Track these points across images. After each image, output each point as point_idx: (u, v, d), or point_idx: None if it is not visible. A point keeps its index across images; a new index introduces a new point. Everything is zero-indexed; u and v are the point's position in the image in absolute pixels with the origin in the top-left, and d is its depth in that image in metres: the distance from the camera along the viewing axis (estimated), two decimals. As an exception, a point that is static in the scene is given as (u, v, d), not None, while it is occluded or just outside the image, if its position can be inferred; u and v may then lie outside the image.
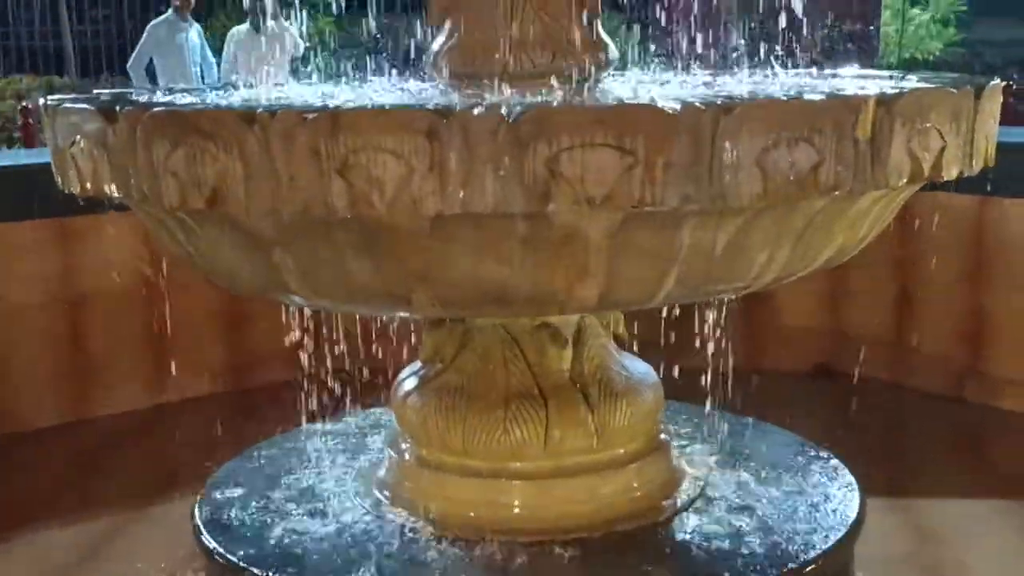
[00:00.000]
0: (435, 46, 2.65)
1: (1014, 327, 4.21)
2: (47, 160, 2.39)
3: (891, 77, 2.71)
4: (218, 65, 9.25)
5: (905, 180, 2.01)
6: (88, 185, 2.16)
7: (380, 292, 2.14)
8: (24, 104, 9.60)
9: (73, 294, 4.28)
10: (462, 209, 1.83)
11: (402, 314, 2.86)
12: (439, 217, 1.86)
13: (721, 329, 3.29)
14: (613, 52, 2.64)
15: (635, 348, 2.95)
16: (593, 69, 2.56)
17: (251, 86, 3.15)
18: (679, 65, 3.27)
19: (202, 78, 9.14)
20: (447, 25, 2.63)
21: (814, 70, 3.12)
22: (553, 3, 2.53)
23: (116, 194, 2.11)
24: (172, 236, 2.33)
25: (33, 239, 4.21)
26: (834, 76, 2.94)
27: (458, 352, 2.74)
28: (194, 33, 9.18)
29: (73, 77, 14.08)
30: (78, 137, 2.14)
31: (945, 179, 2.10)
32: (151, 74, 9.25)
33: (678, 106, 1.82)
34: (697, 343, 3.29)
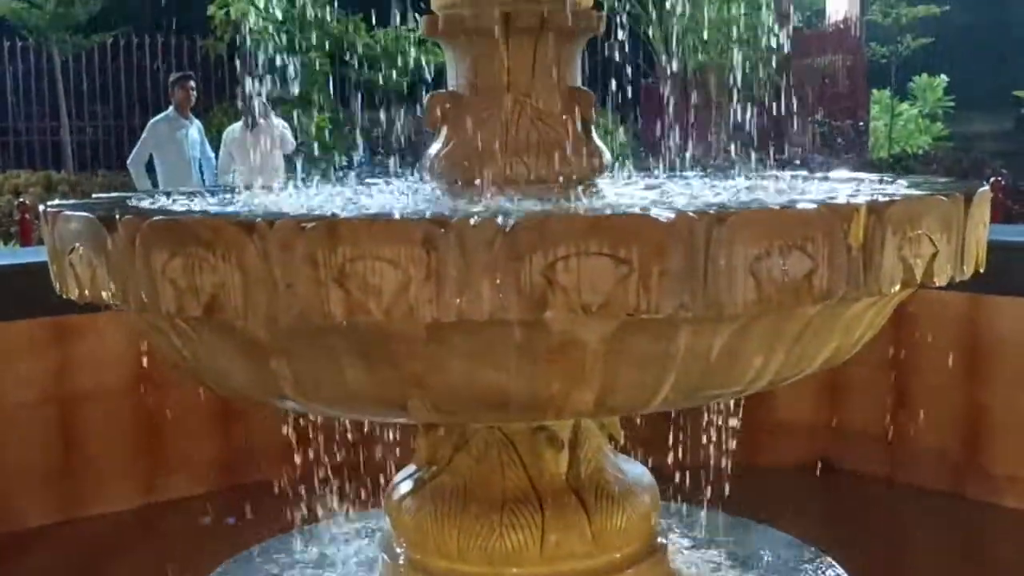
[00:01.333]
0: (432, 150, 2.69)
1: (1012, 424, 4.21)
2: (43, 259, 2.41)
3: (881, 181, 2.75)
4: (216, 161, 9.36)
5: (898, 287, 2.03)
6: (86, 291, 2.18)
7: (376, 398, 2.14)
8: (21, 200, 9.67)
9: (67, 392, 4.27)
10: (458, 316, 1.84)
11: (397, 420, 2.85)
12: (435, 324, 1.87)
13: (717, 424, 3.29)
14: (607, 157, 2.68)
15: (631, 445, 2.94)
16: (588, 175, 2.59)
17: (248, 188, 3.18)
18: (670, 159, 3.32)
19: (201, 174, 9.23)
20: (443, 130, 2.67)
21: (806, 172, 3.16)
22: (548, 110, 2.58)
23: (114, 301, 2.12)
24: (167, 340, 2.33)
25: (28, 338, 4.21)
26: (825, 179, 2.98)
27: (454, 455, 2.73)
28: (194, 130, 9.30)
29: (71, 172, 14.20)
30: (77, 244, 2.16)
31: (937, 284, 2.11)
32: (151, 170, 9.34)
33: (672, 215, 1.85)
34: (693, 439, 3.29)
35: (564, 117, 2.59)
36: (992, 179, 8.21)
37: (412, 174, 3.04)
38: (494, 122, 2.56)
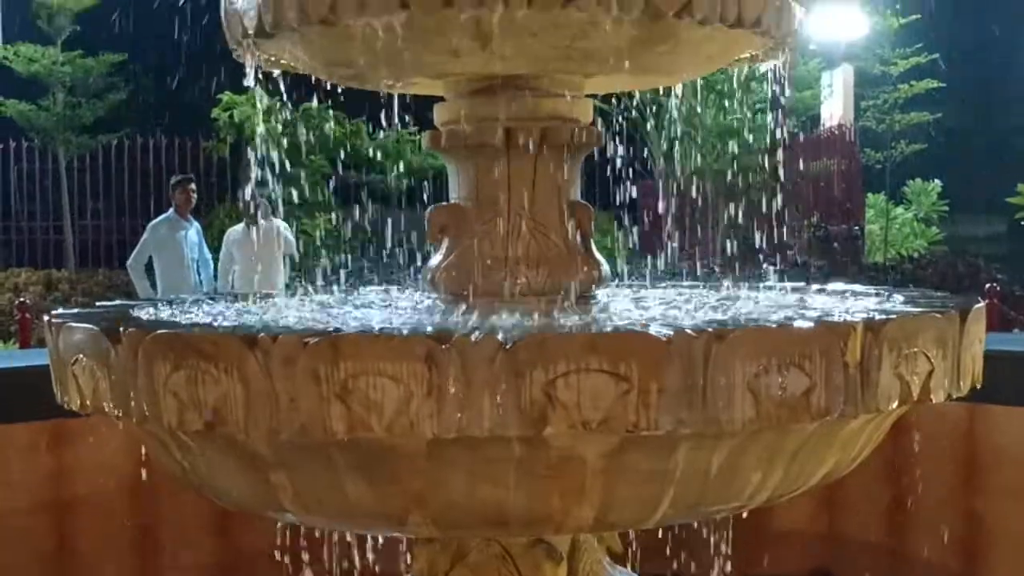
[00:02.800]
0: (432, 262, 2.72)
1: (1010, 536, 4.18)
2: (41, 363, 2.42)
3: (877, 294, 2.78)
4: (215, 263, 9.42)
5: (895, 404, 2.04)
6: (88, 402, 2.19)
7: (375, 512, 2.14)
8: (21, 299, 9.71)
9: (62, 497, 4.23)
10: (459, 433, 1.85)
11: (396, 534, 2.84)
12: (436, 440, 1.88)
13: (716, 533, 3.27)
14: (606, 269, 2.71)
15: (631, 552, 2.92)
16: (587, 287, 2.62)
17: (250, 296, 3.21)
18: (669, 262, 3.36)
19: (199, 276, 9.29)
20: (444, 242, 2.71)
21: (802, 283, 3.20)
22: (548, 224, 2.62)
23: (115, 412, 2.13)
24: (167, 452, 2.34)
25: (25, 441, 4.19)
26: (822, 291, 3.02)
27: (452, 567, 2.70)
28: (193, 232, 9.37)
29: (72, 271, 14.28)
30: (80, 356, 2.17)
31: (934, 401, 2.13)
32: (149, 269, 9.40)
33: (671, 332, 1.87)
34: (692, 549, 3.26)
35: (563, 231, 2.63)
36: (988, 285, 8.27)
37: (413, 280, 3.07)
38: (494, 235, 2.60)
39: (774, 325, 1.99)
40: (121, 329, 2.08)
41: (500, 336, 1.84)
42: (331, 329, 1.96)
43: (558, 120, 2.61)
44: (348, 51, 2.44)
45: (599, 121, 2.77)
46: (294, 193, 9.57)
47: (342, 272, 3.39)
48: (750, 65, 2.83)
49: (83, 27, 15.08)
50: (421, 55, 2.42)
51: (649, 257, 3.42)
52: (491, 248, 2.59)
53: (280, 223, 9.39)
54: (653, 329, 1.88)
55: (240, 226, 9.43)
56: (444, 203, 2.76)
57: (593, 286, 2.66)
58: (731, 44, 2.55)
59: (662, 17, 2.27)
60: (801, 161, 15.92)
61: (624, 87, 3.08)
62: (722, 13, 2.29)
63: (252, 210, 9.16)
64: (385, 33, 2.29)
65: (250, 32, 2.44)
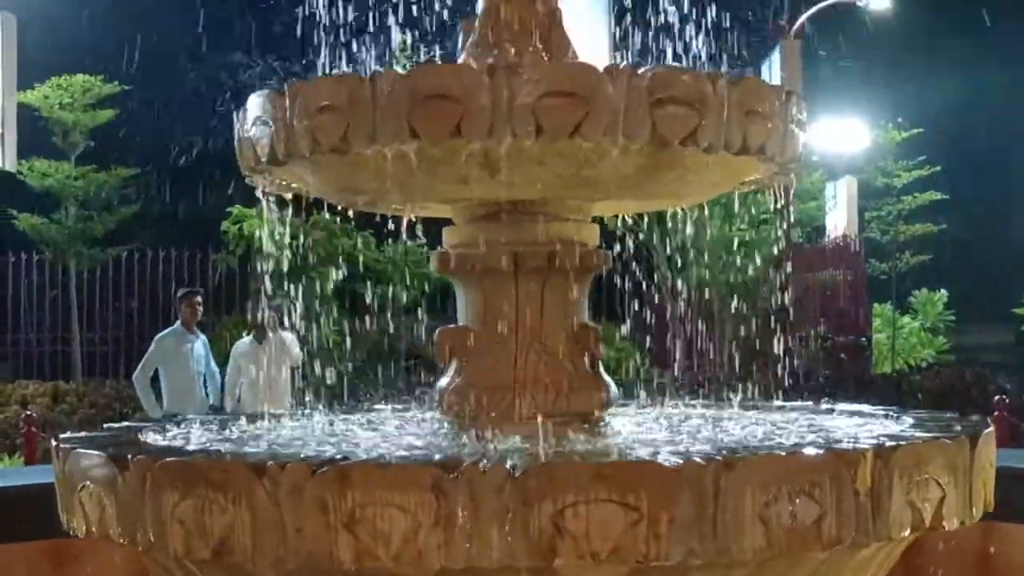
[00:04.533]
0: (442, 383, 2.72)
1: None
2: (45, 480, 2.41)
3: (887, 416, 2.77)
4: (222, 375, 9.40)
5: (907, 532, 2.03)
6: (94, 529, 2.18)
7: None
8: (28, 413, 9.67)
9: (63, 619, 4.17)
10: (467, 563, 1.84)
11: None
12: (444, 571, 1.86)
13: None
14: (614, 391, 2.71)
15: None
16: (596, 409, 2.62)
17: (257, 416, 3.21)
18: (674, 375, 3.36)
19: (206, 389, 9.26)
20: (453, 364, 2.71)
21: (811, 403, 3.19)
22: (556, 346, 2.63)
23: (121, 540, 2.12)
24: (171, 577, 2.31)
25: (26, 561, 4.14)
26: (830, 411, 3.01)
27: None
28: (200, 345, 9.36)
29: (79, 382, 14.26)
30: (87, 482, 2.17)
31: (947, 528, 2.11)
32: (155, 380, 9.38)
33: (680, 461, 1.87)
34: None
35: (572, 353, 2.64)
36: (997, 397, 8.22)
37: (421, 396, 3.07)
38: (503, 358, 2.61)
39: (783, 453, 1.98)
40: (129, 456, 2.08)
41: (508, 465, 1.84)
42: (339, 457, 1.95)
43: (565, 244, 2.64)
44: (359, 178, 2.48)
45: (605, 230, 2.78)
46: (302, 305, 9.59)
47: (349, 385, 3.39)
48: (755, 189, 2.87)
49: (96, 141, 15.33)
50: (431, 182, 2.46)
51: (656, 369, 3.42)
52: (499, 371, 2.59)
53: (288, 335, 9.39)
54: (662, 457, 1.87)
55: (248, 338, 9.44)
56: (453, 325, 2.77)
57: (602, 409, 2.65)
58: (736, 170, 2.59)
59: (668, 145, 2.31)
60: (806, 272, 15.98)
61: (631, 210, 3.12)
62: (727, 141, 2.33)
63: (260, 322, 9.18)
64: (395, 161, 2.33)
65: (263, 159, 2.48)
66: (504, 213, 2.62)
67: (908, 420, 2.62)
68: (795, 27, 16.50)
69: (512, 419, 2.52)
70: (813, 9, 17.38)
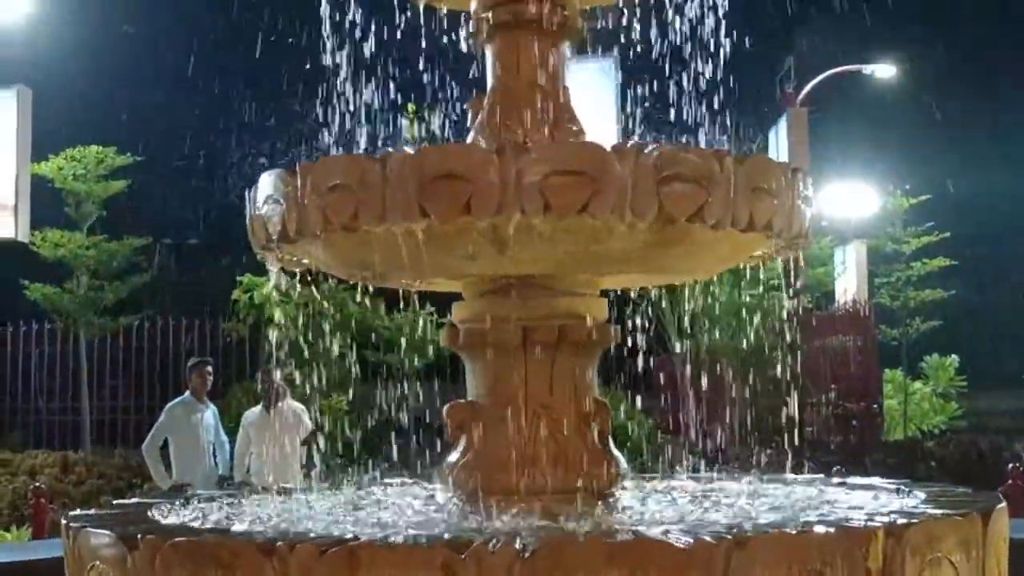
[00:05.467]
0: (451, 458, 2.72)
1: None
2: (54, 554, 2.41)
3: (898, 490, 2.76)
4: (232, 445, 9.38)
5: (921, 612, 2.01)
6: (102, 610, 2.17)
7: None
8: (37, 484, 9.65)
9: None
10: (477, 645, 1.82)
11: None
12: (453, 652, 1.85)
13: None
14: (623, 466, 2.70)
15: None
16: (606, 485, 2.61)
17: (267, 490, 3.21)
18: (684, 446, 3.35)
19: (215, 459, 9.24)
20: (462, 439, 2.71)
21: (822, 476, 3.18)
22: (565, 421, 2.63)
23: (130, 620, 2.11)
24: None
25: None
26: (842, 484, 3.00)
27: None
28: (210, 415, 9.34)
29: (88, 452, 14.23)
30: (97, 562, 2.16)
31: (961, 611, 2.09)
32: (165, 452, 9.36)
33: (690, 540, 1.86)
34: None
35: (581, 428, 2.64)
36: (1011, 465, 8.13)
37: (431, 467, 3.06)
38: (512, 433, 2.61)
39: (794, 531, 1.97)
40: (139, 535, 2.08)
41: (517, 545, 1.83)
42: (348, 537, 1.95)
43: (574, 318, 2.65)
44: (369, 255, 2.50)
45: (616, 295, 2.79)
46: (312, 374, 9.58)
47: (358, 454, 3.38)
48: (762, 262, 2.88)
49: (108, 211, 15.45)
50: (440, 259, 2.48)
51: (667, 437, 3.41)
52: (509, 446, 2.59)
53: (297, 405, 9.38)
54: (672, 537, 1.87)
55: (258, 408, 9.42)
56: (462, 400, 2.78)
57: (612, 484, 2.65)
58: (743, 245, 2.60)
59: (675, 222, 2.33)
60: (816, 338, 15.93)
61: (639, 284, 3.13)
62: (734, 218, 2.35)
63: (269, 392, 9.17)
64: (405, 238, 2.35)
65: (274, 237, 2.51)
66: (513, 288, 2.64)
67: (920, 495, 2.61)
68: (802, 95, 16.65)
69: (521, 495, 2.51)
70: (820, 77, 17.55)
